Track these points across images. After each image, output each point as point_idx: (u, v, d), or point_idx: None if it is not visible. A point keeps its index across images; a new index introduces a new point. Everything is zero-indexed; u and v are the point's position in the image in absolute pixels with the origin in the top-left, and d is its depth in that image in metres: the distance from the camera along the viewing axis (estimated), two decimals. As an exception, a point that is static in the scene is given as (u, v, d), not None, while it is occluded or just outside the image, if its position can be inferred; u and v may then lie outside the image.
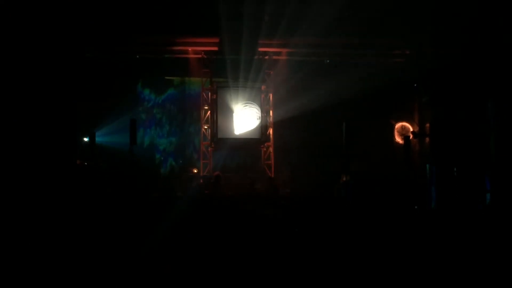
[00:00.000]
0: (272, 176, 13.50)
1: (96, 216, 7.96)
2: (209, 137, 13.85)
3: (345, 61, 13.50)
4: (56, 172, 10.47)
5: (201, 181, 13.40)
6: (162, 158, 14.52)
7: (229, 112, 13.80)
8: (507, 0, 10.04)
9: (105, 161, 12.74)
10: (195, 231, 7.13)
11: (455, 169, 10.35)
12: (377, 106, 13.47)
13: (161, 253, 6.19)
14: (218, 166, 13.70)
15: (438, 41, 12.21)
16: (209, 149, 13.85)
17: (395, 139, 14.11)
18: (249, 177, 12.90)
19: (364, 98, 12.91)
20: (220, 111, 13.77)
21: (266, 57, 13.67)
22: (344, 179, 11.55)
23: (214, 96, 13.85)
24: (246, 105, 13.78)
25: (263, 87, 14.02)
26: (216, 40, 12.92)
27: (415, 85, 13.81)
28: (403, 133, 13.73)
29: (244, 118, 13.84)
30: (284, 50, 13.54)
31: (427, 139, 12.92)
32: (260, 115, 13.83)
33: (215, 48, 13.31)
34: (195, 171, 14.09)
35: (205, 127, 13.95)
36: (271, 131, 13.99)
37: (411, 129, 13.83)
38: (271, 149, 13.92)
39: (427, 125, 13.17)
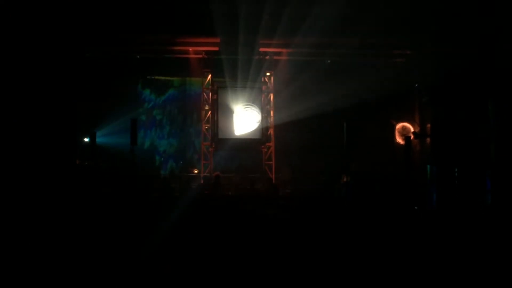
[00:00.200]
0: (273, 176, 13.49)
1: (95, 216, 7.96)
2: (209, 138, 13.84)
3: (346, 61, 13.47)
4: (56, 172, 10.49)
5: (202, 181, 13.40)
6: (162, 160, 14.52)
7: (229, 112, 13.78)
8: (507, 0, 10.03)
9: (105, 161, 12.74)
10: (195, 231, 7.13)
11: (456, 169, 10.34)
12: (378, 107, 13.45)
13: (161, 253, 6.18)
14: (219, 167, 13.70)
15: (439, 41, 12.19)
16: (210, 149, 13.83)
17: (396, 139, 14.09)
18: (249, 177, 12.90)
19: (365, 99, 12.89)
20: (221, 111, 13.76)
21: (267, 57, 13.66)
22: (345, 179, 11.55)
23: (215, 97, 13.84)
24: (247, 107, 13.77)
25: (263, 87, 14.01)
26: (217, 40, 12.90)
27: (416, 85, 13.79)
28: (404, 133, 13.70)
29: (245, 119, 13.83)
30: (285, 50, 13.52)
31: (428, 140, 12.91)
32: (261, 119, 13.82)
33: (216, 48, 13.29)
34: (196, 171, 14.09)
35: (206, 127, 13.93)
36: (272, 131, 13.98)
37: (412, 130, 13.80)
38: (272, 150, 13.90)
39: (428, 125, 13.16)
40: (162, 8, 11.58)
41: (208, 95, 13.97)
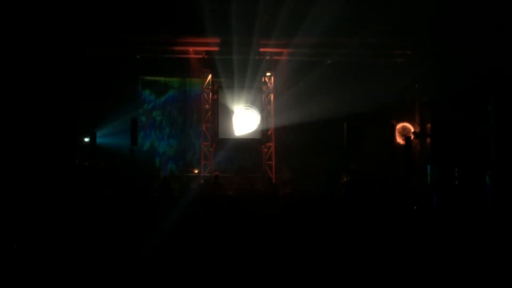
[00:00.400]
0: (273, 176, 13.49)
1: (96, 216, 7.96)
2: (210, 138, 13.83)
3: (346, 61, 13.46)
4: (56, 172, 10.49)
5: (202, 181, 13.40)
6: (162, 161, 14.51)
7: (230, 112, 13.77)
8: (507, 0, 10.04)
9: (105, 161, 12.74)
10: (195, 231, 7.13)
11: (456, 169, 10.33)
12: (378, 107, 13.44)
13: (161, 253, 6.18)
14: (219, 167, 13.70)
15: (439, 41, 12.19)
16: (210, 149, 13.83)
17: (396, 139, 14.08)
18: (249, 177, 12.89)
19: (365, 99, 12.87)
20: (221, 111, 13.75)
21: (267, 57, 13.65)
22: (345, 179, 11.55)
23: (215, 97, 13.83)
24: (248, 109, 13.75)
25: (264, 88, 14.00)
26: (217, 40, 12.90)
27: (416, 85, 13.78)
28: (404, 133, 13.69)
29: (245, 120, 13.81)
30: (285, 51, 13.52)
31: (428, 140, 12.89)
32: (260, 120, 13.81)
33: (216, 48, 13.28)
34: (196, 171, 14.08)
35: (205, 126, 13.92)
36: (272, 131, 13.97)
37: (412, 130, 13.79)
38: (272, 150, 13.89)
39: (428, 125, 13.15)
40: (162, 8, 11.58)
41: (208, 95, 13.96)
